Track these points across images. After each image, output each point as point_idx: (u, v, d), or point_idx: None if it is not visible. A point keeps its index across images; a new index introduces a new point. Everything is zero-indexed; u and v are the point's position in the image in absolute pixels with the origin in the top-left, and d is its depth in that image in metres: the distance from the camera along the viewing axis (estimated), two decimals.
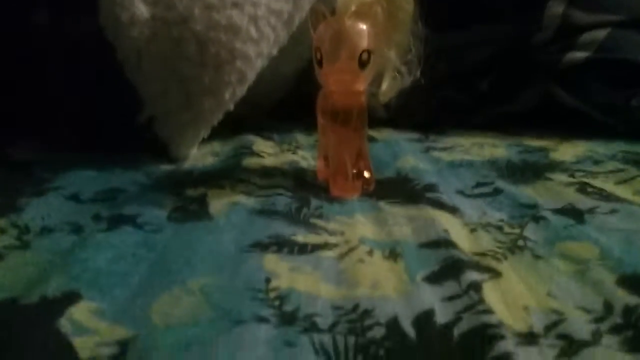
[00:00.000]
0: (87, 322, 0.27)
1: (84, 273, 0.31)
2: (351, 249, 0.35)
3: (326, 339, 0.26)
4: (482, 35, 0.72)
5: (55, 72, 0.55)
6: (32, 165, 0.51)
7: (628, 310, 0.28)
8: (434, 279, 0.31)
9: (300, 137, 0.66)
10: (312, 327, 0.27)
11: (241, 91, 0.57)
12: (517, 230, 0.37)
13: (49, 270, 0.32)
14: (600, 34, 0.67)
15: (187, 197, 0.44)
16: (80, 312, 0.28)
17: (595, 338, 0.26)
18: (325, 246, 0.35)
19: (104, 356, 0.24)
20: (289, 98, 0.73)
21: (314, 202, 0.43)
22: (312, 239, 0.37)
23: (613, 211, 0.40)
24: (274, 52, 0.59)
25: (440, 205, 0.42)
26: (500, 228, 0.38)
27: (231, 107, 0.57)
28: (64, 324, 0.27)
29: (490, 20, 0.73)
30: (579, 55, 0.66)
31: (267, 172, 0.51)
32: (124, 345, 0.25)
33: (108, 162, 0.52)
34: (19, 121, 0.59)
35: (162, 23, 0.53)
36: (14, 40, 0.55)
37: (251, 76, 0.57)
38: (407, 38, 0.46)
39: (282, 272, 0.32)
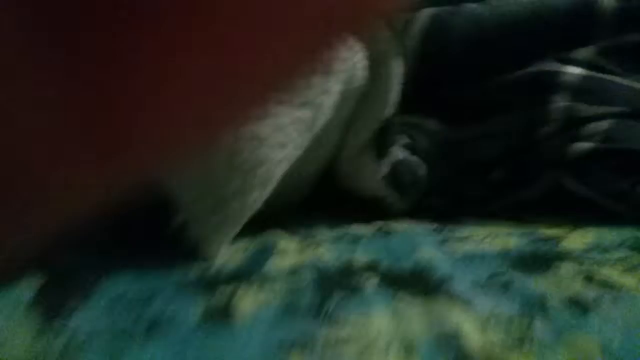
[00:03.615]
0: None
1: None
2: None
3: None
4: (495, 129, 0.77)
5: None
6: (76, 272, 0.55)
7: None
8: None
9: (323, 231, 0.69)
10: None
11: (267, 193, 0.62)
12: (526, 321, 0.40)
13: None
14: (603, 125, 0.71)
15: (217, 296, 0.48)
16: None
17: None
18: None
19: None
20: (315, 196, 0.78)
21: (336, 296, 0.47)
22: (333, 334, 0.39)
23: (616, 301, 0.42)
24: (298, 154, 0.65)
25: (454, 298, 0.44)
26: (511, 320, 0.40)
27: (257, 208, 0.61)
28: None
29: (500, 115, 0.78)
30: (585, 145, 0.70)
31: (290, 271, 0.54)
32: None
33: (146, 264, 0.56)
34: (59, 234, 0.64)
35: None
36: None
37: (276, 178, 0.62)
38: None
39: None
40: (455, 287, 0.46)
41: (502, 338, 0.38)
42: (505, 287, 0.47)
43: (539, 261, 0.53)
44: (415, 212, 0.74)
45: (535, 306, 0.42)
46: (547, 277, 0.48)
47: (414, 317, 0.42)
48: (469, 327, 0.39)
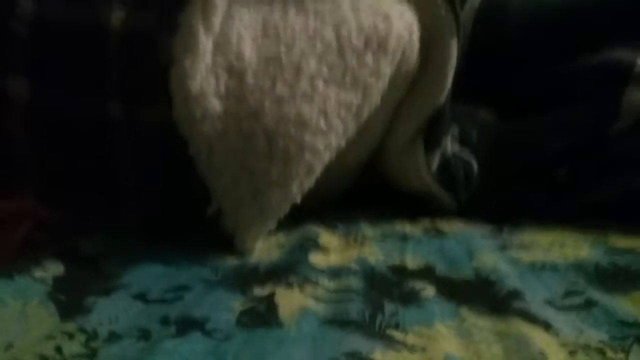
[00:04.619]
0: None
1: None
2: None
3: None
4: (559, 122, 0.70)
5: (125, 163, 0.55)
6: (101, 259, 0.50)
7: None
8: None
9: (366, 228, 0.63)
10: None
11: (309, 183, 0.56)
12: (621, 356, 0.33)
13: None
14: None
15: (255, 297, 0.42)
16: None
17: None
18: None
19: None
20: (352, 188, 0.72)
21: (388, 307, 0.41)
22: (391, 357, 0.34)
23: None
24: (342, 144, 0.58)
25: (530, 318, 0.38)
26: (602, 352, 0.34)
27: (298, 199, 0.56)
28: None
29: (565, 106, 0.70)
30: None
31: (335, 272, 0.48)
32: None
33: (174, 256, 0.51)
34: (89, 213, 0.59)
35: (233, 118, 0.53)
36: (88, 131, 0.56)
37: (319, 168, 0.56)
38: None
39: None
40: (528, 305, 0.40)
41: None
42: (587, 307, 0.40)
43: (620, 278, 0.46)
44: (466, 212, 0.68)
45: (629, 334, 0.36)
46: (633, 297, 0.42)
47: (485, 339, 0.36)
48: (555, 358, 0.33)
